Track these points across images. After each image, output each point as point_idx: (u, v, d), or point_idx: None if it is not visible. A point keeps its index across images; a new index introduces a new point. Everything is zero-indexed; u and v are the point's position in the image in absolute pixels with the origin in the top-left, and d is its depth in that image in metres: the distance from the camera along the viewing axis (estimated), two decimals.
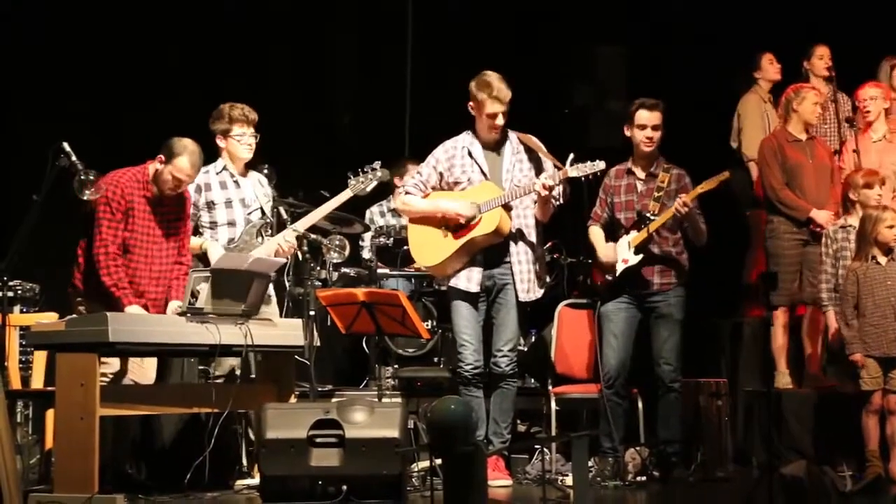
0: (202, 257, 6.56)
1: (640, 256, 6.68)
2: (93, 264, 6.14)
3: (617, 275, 6.73)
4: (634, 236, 6.72)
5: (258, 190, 6.79)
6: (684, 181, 6.82)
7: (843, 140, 7.97)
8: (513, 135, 6.65)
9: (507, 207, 6.50)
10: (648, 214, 6.66)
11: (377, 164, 6.97)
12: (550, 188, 6.41)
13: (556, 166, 6.51)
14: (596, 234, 6.92)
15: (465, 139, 6.64)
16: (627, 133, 6.81)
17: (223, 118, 6.67)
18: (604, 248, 6.83)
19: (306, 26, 9.16)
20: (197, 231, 6.65)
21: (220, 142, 6.69)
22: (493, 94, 6.47)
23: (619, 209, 6.84)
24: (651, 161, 6.81)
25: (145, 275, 6.24)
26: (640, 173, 6.83)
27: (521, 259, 6.56)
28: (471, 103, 6.57)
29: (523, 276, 6.55)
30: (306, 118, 8.87)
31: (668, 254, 6.75)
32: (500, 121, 6.52)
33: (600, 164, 6.47)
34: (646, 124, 6.74)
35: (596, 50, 9.43)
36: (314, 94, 9.22)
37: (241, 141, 6.67)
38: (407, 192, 6.71)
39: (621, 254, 6.75)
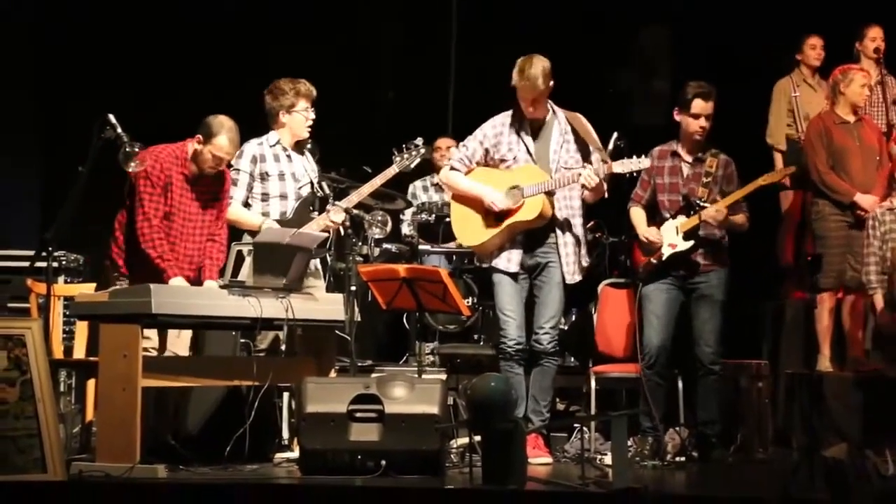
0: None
1: (691, 243, 6.64)
2: (131, 238, 6.17)
3: (664, 259, 6.69)
4: (683, 222, 6.67)
5: (306, 165, 6.80)
6: (731, 168, 6.77)
7: (891, 122, 7.88)
8: (561, 114, 6.60)
9: (550, 193, 6.48)
10: (698, 200, 6.62)
11: (420, 141, 6.97)
12: (597, 183, 6.38)
13: (601, 158, 6.44)
14: (637, 215, 6.88)
15: (513, 116, 6.58)
16: (677, 117, 6.74)
17: (287, 93, 6.64)
18: (646, 230, 6.79)
19: (351, 3, 9.15)
20: (246, 203, 6.66)
21: (283, 116, 6.66)
22: (522, 81, 6.43)
23: (662, 191, 6.79)
24: (699, 145, 6.77)
25: (180, 251, 6.26)
26: (687, 156, 6.77)
27: (566, 241, 6.52)
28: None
29: (569, 258, 6.52)
30: (350, 94, 8.87)
31: (713, 237, 6.71)
32: (531, 107, 6.48)
33: (645, 162, 6.44)
34: (700, 114, 6.66)
35: (641, 29, 9.38)
36: (358, 70, 9.22)
37: (306, 117, 6.68)
38: (452, 168, 6.68)
39: (668, 238, 6.70)
